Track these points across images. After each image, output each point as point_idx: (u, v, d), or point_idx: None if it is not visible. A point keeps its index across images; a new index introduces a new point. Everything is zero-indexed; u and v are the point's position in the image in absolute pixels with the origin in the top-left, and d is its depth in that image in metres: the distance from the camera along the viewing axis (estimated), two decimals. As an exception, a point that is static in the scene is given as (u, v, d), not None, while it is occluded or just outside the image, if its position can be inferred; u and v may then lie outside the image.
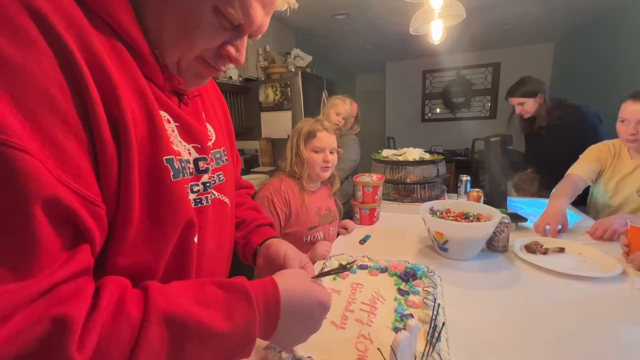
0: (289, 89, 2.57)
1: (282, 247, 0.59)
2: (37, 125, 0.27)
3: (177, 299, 0.34)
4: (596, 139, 1.40)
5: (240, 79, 2.65)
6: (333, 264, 0.89)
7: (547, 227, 1.13)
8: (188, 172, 0.44)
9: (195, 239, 0.44)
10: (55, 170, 0.28)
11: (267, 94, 2.66)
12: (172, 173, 0.39)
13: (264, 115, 2.74)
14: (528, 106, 1.82)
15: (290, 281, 0.42)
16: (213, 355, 0.35)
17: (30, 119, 0.26)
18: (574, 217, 1.30)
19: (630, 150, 1.26)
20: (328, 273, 0.58)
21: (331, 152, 1.18)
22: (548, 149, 1.83)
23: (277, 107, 2.65)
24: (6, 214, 0.26)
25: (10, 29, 0.26)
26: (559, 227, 1.13)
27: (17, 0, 0.27)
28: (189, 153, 0.45)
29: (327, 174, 1.20)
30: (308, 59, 2.86)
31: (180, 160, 0.42)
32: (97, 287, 0.31)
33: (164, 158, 0.38)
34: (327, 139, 1.17)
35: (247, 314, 0.36)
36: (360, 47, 4.09)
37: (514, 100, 1.85)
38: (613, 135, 1.30)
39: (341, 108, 1.82)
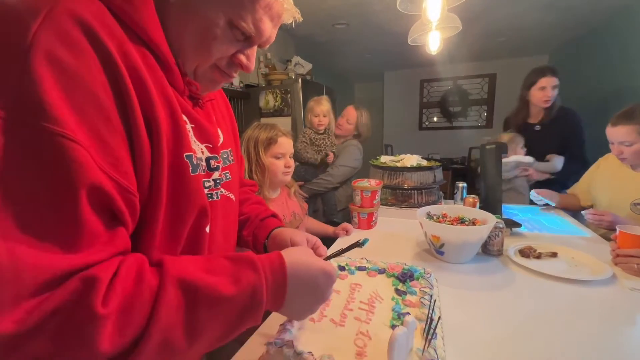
0: (289, 95, 2.62)
1: (286, 234, 0.65)
2: (85, 120, 0.31)
3: (188, 267, 0.38)
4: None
5: (242, 84, 2.70)
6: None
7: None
8: (201, 169, 0.47)
9: (207, 229, 0.48)
10: (98, 160, 0.31)
11: (268, 100, 2.71)
12: (190, 168, 0.43)
13: (264, 121, 2.77)
14: (556, 91, 1.68)
15: (295, 253, 0.46)
16: (223, 319, 0.37)
17: (80, 114, 0.30)
18: (582, 233, 1.29)
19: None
20: (339, 253, 0.61)
21: (290, 157, 1.19)
22: (539, 146, 1.81)
23: (277, 112, 2.69)
24: (57, 196, 0.29)
25: (68, 41, 0.30)
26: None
27: (71, 17, 0.31)
28: (202, 152, 0.49)
29: (289, 178, 1.20)
30: (308, 66, 2.92)
31: (196, 158, 0.46)
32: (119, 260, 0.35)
33: (185, 154, 0.42)
34: (287, 144, 1.18)
35: (253, 279, 0.39)
36: (360, 56, 4.17)
37: (550, 81, 1.66)
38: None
39: (317, 109, 1.78)
